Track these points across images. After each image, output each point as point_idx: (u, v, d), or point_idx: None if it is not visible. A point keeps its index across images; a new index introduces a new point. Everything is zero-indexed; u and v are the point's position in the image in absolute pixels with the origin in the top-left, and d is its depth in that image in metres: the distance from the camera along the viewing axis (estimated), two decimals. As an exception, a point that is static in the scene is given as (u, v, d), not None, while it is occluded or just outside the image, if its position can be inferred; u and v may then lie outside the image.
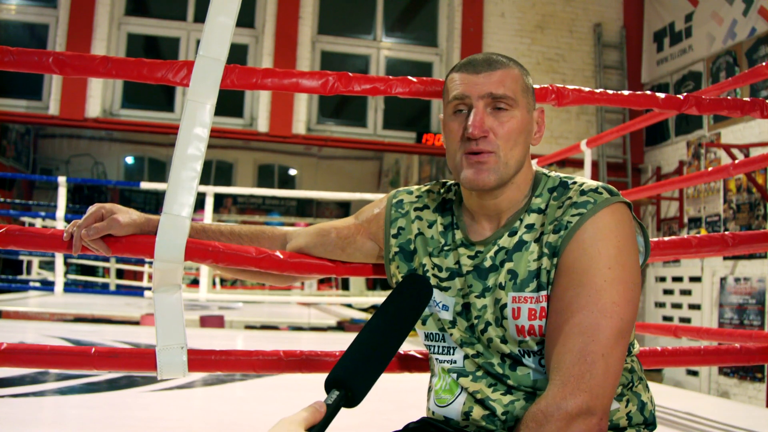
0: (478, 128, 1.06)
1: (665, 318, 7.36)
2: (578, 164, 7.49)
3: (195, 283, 7.93)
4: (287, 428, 0.71)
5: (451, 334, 1.12)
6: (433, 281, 1.15)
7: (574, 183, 1.09)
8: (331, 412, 0.77)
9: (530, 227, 1.08)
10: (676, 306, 7.22)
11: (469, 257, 1.12)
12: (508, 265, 1.08)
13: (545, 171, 1.15)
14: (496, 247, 1.10)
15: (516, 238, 1.09)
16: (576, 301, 0.99)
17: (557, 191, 1.09)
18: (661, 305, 7.47)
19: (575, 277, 1.00)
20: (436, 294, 1.14)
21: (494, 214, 1.13)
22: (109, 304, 6.77)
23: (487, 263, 1.10)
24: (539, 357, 1.06)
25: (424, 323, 1.17)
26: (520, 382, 1.06)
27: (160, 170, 13.32)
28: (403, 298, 1.00)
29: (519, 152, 1.09)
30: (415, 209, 1.22)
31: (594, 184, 1.07)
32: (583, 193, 1.05)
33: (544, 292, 1.04)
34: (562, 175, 1.13)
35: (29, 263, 8.58)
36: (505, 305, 1.06)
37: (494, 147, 1.07)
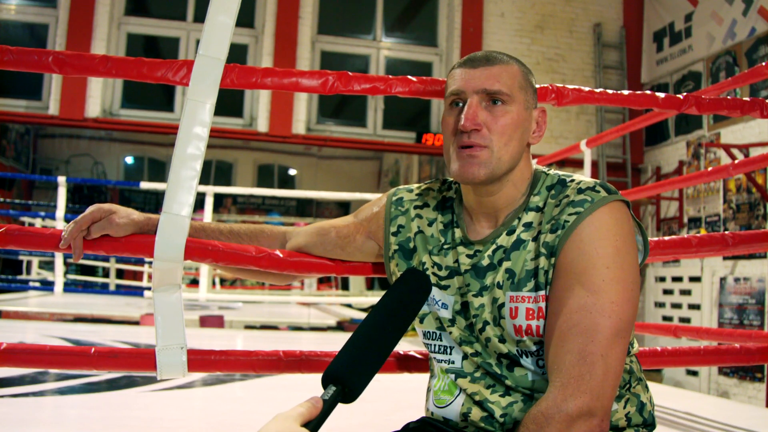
0: (470, 121, 1.06)
1: (665, 318, 7.36)
2: (578, 164, 7.49)
3: (195, 283, 7.93)
4: (283, 424, 0.71)
5: (450, 333, 1.12)
6: (432, 279, 1.14)
7: (572, 181, 1.08)
8: (328, 407, 0.77)
9: (528, 226, 1.08)
10: (676, 306, 7.22)
11: (468, 256, 1.11)
12: (506, 264, 1.07)
13: (544, 169, 1.14)
14: (494, 246, 1.09)
15: (514, 237, 1.08)
16: (574, 301, 0.98)
17: (555, 189, 1.08)
18: (661, 305, 7.47)
19: (573, 278, 1.00)
20: (436, 292, 1.14)
21: (492, 212, 1.12)
22: (108, 304, 6.77)
23: (485, 262, 1.09)
24: (537, 358, 1.06)
25: (421, 321, 1.16)
26: (518, 383, 1.06)
27: (159, 170, 13.32)
28: (402, 293, 0.99)
29: (513, 148, 1.08)
30: (415, 207, 1.21)
31: (592, 181, 1.06)
32: (580, 191, 1.04)
33: (542, 292, 1.03)
34: (560, 173, 1.11)
35: (29, 263, 8.58)
36: (502, 304, 1.06)
37: (487, 141, 1.06)
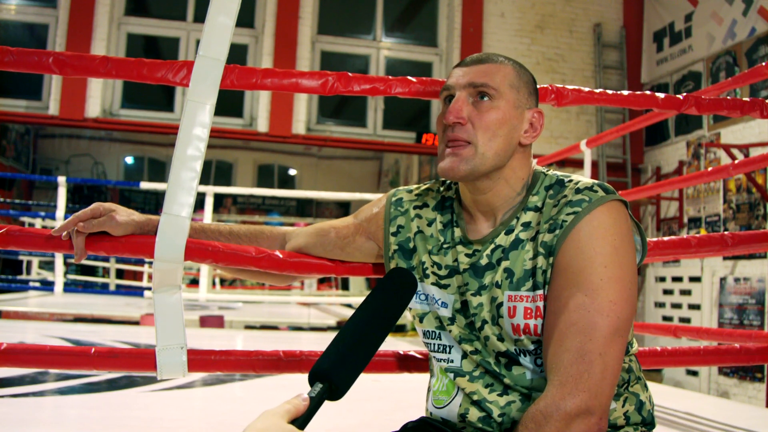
0: (453, 114, 1.07)
1: (665, 318, 7.36)
2: (578, 164, 7.49)
3: (195, 283, 7.93)
4: (270, 420, 0.71)
5: (450, 331, 1.12)
6: (432, 279, 1.15)
7: (570, 181, 1.08)
8: (315, 404, 0.77)
9: (526, 225, 1.08)
10: (676, 306, 7.22)
11: (467, 255, 1.12)
12: (504, 264, 1.07)
13: (543, 170, 1.14)
14: (493, 246, 1.10)
15: (512, 237, 1.08)
16: (572, 300, 0.99)
17: (553, 189, 1.09)
18: (661, 305, 7.47)
19: (571, 277, 1.00)
20: (436, 291, 1.14)
21: (488, 210, 1.12)
22: (109, 304, 6.77)
23: (484, 261, 1.10)
24: (535, 357, 1.06)
25: (421, 321, 1.17)
26: (516, 382, 1.06)
27: (160, 170, 13.32)
28: (387, 291, 1.00)
29: (498, 145, 1.07)
30: (415, 207, 1.21)
31: (590, 182, 1.06)
32: (578, 191, 1.05)
33: (540, 292, 1.04)
34: (559, 173, 1.12)
35: (29, 263, 8.58)
36: (501, 304, 1.06)
37: (470, 136, 1.07)
